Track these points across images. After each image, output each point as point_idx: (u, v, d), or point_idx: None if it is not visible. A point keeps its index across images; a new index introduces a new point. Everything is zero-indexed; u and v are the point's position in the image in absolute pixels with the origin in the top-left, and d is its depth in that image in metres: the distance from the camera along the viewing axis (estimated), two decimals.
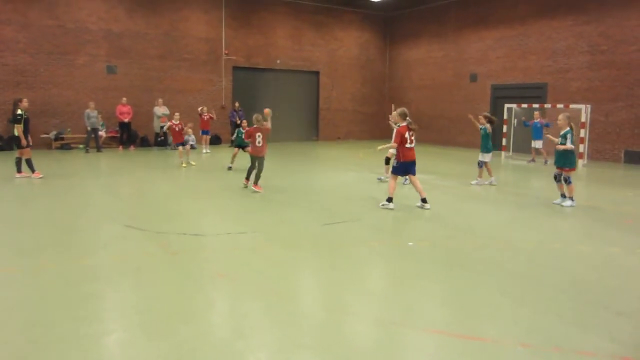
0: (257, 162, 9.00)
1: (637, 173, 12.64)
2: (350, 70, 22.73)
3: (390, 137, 8.34)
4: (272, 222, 6.93)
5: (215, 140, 18.60)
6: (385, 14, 23.22)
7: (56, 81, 16.32)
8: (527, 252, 5.58)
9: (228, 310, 4.00)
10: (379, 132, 22.82)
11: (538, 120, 14.24)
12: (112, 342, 3.39)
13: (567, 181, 8.09)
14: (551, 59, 16.37)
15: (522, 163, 14.61)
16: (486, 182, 10.28)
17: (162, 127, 15.92)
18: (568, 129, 8.08)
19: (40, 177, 10.16)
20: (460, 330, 3.58)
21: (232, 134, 15.10)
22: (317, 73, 21.94)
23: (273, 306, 4.01)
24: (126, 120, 16.58)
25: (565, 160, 8.12)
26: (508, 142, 16.60)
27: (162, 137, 17.19)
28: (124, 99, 16.67)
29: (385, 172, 10.31)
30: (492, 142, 10.17)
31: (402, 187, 9.53)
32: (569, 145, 8.02)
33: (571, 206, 8.05)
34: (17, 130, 9.86)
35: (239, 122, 14.15)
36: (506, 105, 16.55)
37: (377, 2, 21.05)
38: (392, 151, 8.79)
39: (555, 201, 8.36)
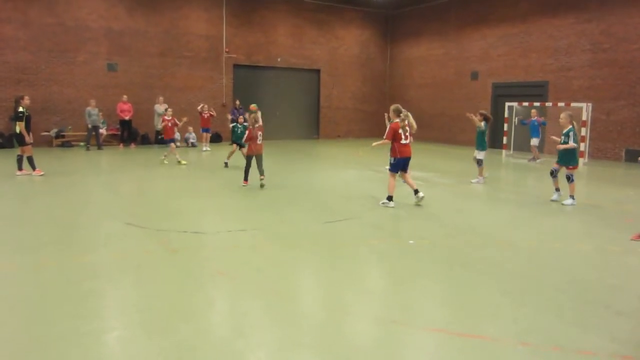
0: (257, 159, 9.09)
1: (638, 172, 12.60)
2: (351, 69, 22.69)
3: None
4: (273, 220, 6.93)
5: (216, 138, 18.59)
6: (386, 12, 23.17)
7: (57, 79, 16.32)
8: (528, 251, 5.58)
9: (228, 309, 4.00)
10: (380, 130, 22.56)
11: (535, 118, 14.24)
12: (112, 339, 3.40)
13: (570, 179, 8.08)
14: (553, 57, 16.31)
15: (523, 161, 14.58)
16: (473, 181, 10.22)
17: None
18: (570, 127, 8.08)
19: (41, 175, 10.16)
20: (460, 329, 3.57)
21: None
22: (317, 71, 21.91)
23: (273, 305, 4.01)
24: (127, 118, 16.57)
25: (568, 158, 8.12)
26: (509, 140, 16.55)
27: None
28: (125, 96, 16.67)
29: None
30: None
31: (402, 186, 9.51)
32: (571, 144, 8.01)
33: (572, 205, 8.04)
34: (20, 127, 9.87)
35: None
36: (507, 104, 16.53)
37: (378, 0, 21.01)
38: None
39: (552, 198, 8.36)
